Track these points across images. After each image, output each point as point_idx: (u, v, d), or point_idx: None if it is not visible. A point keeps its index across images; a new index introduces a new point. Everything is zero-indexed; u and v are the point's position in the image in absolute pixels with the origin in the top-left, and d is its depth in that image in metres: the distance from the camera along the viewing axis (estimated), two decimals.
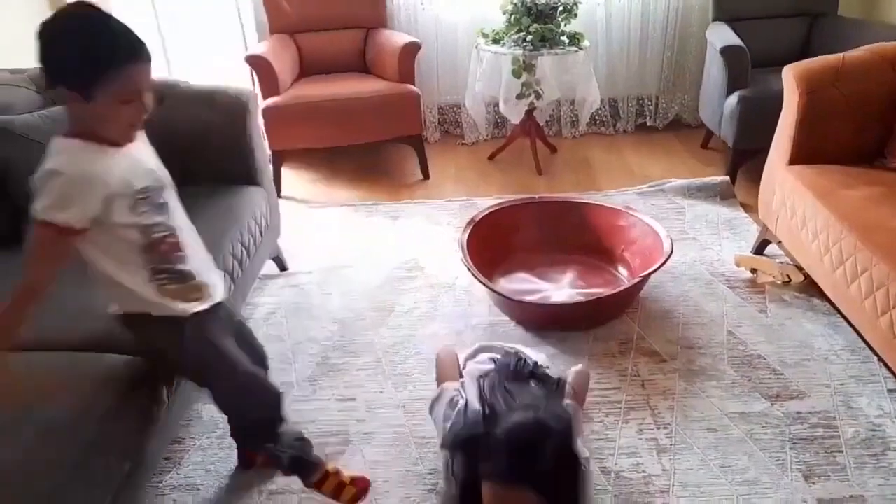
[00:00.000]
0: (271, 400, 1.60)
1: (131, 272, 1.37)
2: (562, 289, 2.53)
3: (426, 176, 3.58)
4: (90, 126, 1.27)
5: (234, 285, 2.05)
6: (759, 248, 2.69)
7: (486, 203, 2.96)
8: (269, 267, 2.71)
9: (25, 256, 1.26)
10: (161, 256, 1.39)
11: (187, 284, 1.45)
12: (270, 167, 3.35)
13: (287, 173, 3.62)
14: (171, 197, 1.44)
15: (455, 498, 1.39)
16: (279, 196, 3.38)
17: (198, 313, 1.45)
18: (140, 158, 1.38)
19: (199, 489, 1.76)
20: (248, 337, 1.71)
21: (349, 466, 1.80)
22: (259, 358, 1.70)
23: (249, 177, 2.35)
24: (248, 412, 1.59)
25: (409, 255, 2.83)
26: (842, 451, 1.80)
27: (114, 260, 1.36)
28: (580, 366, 2.02)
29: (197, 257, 1.49)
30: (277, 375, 2.13)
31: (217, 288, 1.53)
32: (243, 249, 2.13)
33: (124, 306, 1.43)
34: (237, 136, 2.28)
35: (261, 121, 3.01)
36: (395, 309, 2.49)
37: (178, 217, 1.45)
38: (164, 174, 1.44)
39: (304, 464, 1.65)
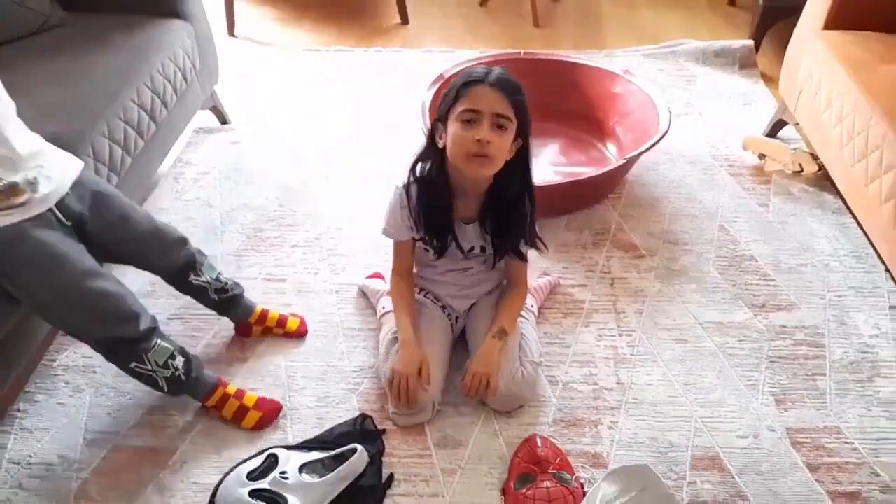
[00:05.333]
0: (113, 319, 1.28)
1: None
2: (538, 166, 2.20)
3: (404, 20, 3.11)
4: None
5: (142, 142, 1.74)
6: (774, 130, 2.33)
7: (467, 56, 2.54)
8: (208, 119, 2.38)
9: None
10: None
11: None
12: None
13: (245, 9, 3.14)
14: None
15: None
16: (232, 35, 2.98)
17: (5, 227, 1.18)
18: None
19: (95, 371, 1.57)
20: (121, 214, 1.37)
21: (265, 361, 1.60)
22: (133, 236, 1.40)
23: (171, 7, 1.95)
24: (86, 335, 1.32)
25: (371, 114, 2.48)
26: (824, 375, 1.58)
27: None
28: (550, 277, 1.79)
29: (24, 154, 1.19)
30: (201, 247, 1.89)
31: (49, 186, 1.23)
32: (155, 97, 1.79)
33: None
34: None
35: None
36: (347, 177, 2.18)
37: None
38: None
39: (188, 386, 1.39)
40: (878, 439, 1.45)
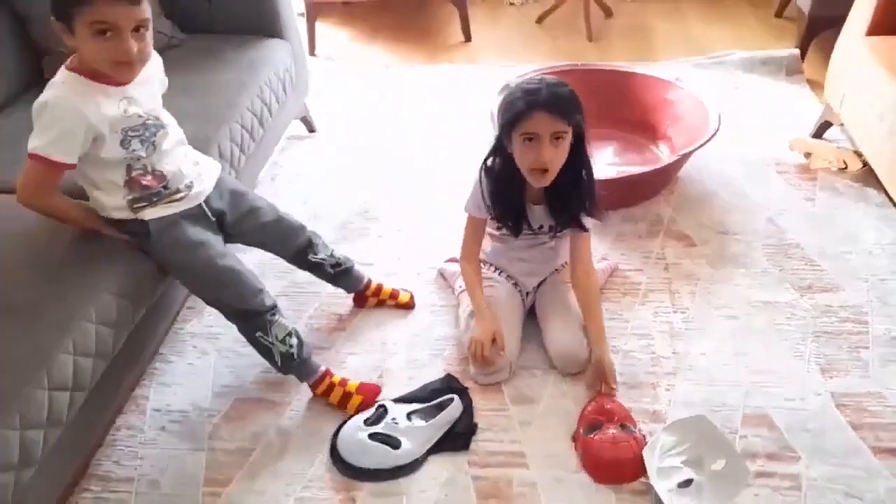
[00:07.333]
0: (245, 292, 1.52)
1: (110, 196, 1.42)
2: (596, 166, 2.40)
3: (468, 38, 3.37)
4: (84, 60, 1.29)
5: (253, 144, 2.02)
6: (819, 131, 2.47)
7: (526, 70, 2.77)
8: (298, 128, 2.66)
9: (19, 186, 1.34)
10: (140, 190, 1.42)
11: (164, 199, 1.46)
12: (304, 21, 3.23)
13: (325, 29, 3.46)
14: (165, 137, 1.45)
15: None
16: (312, 54, 3.28)
17: (165, 216, 1.47)
18: (137, 99, 1.38)
19: (218, 338, 1.84)
20: (252, 207, 1.64)
21: (361, 330, 1.84)
22: (261, 225, 1.65)
23: (272, 29, 2.24)
24: (224, 304, 1.56)
25: (442, 121, 2.73)
26: (867, 348, 1.72)
27: (93, 185, 1.42)
28: (609, 261, 1.98)
29: (183, 164, 1.50)
30: None
31: (200, 186, 1.53)
32: (263, 106, 2.07)
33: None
34: None
35: None
36: (422, 176, 2.43)
37: (170, 141, 1.46)
38: (165, 117, 1.46)
39: (296, 366, 1.59)
40: None
